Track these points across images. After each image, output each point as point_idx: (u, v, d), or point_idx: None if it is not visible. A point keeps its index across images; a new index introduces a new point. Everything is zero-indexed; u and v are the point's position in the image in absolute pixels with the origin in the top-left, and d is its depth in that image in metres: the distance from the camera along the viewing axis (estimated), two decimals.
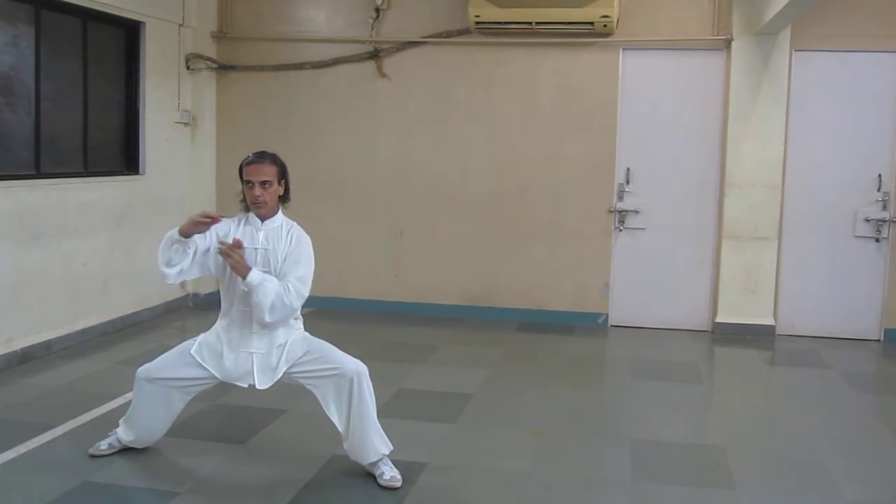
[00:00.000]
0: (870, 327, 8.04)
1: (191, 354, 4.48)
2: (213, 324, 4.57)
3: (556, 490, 4.44)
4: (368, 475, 4.50)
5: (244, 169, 4.38)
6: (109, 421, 5.28)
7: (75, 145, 7.36)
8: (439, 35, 8.45)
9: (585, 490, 4.47)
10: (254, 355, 4.43)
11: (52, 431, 5.03)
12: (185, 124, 8.64)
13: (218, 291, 8.87)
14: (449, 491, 4.40)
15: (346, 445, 4.49)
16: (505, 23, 7.95)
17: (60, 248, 6.97)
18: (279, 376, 4.46)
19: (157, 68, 8.19)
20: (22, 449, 4.75)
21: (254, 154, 4.45)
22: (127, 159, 8.02)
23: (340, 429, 4.46)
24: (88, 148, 7.45)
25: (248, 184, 4.36)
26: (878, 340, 8.00)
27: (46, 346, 6.78)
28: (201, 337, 4.53)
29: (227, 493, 4.34)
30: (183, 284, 8.72)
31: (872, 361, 7.53)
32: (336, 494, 4.34)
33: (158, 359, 4.58)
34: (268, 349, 4.43)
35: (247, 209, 4.47)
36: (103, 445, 4.68)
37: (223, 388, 6.19)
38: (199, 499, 4.23)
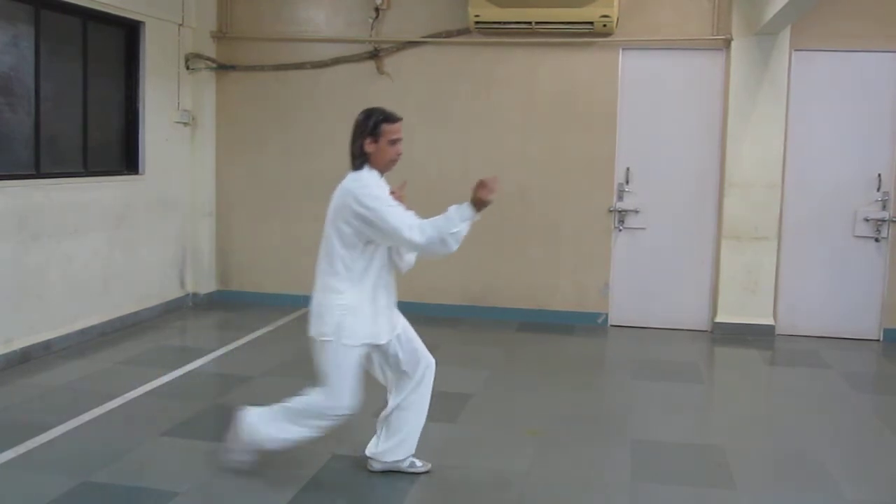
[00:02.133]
0: (869, 327, 8.04)
1: (359, 361, 4.27)
2: (342, 303, 4.18)
3: (556, 490, 4.44)
4: (370, 473, 4.51)
5: (388, 127, 4.22)
6: (110, 421, 5.29)
7: (75, 145, 7.36)
8: (439, 35, 8.45)
9: (585, 490, 4.46)
10: (393, 310, 4.43)
11: (51, 431, 5.03)
12: (185, 124, 8.63)
13: (219, 291, 8.84)
14: (449, 490, 4.41)
15: (383, 443, 4.51)
16: (505, 23, 7.95)
17: (60, 248, 6.97)
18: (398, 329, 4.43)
19: (156, 68, 8.19)
20: (22, 449, 4.75)
21: (384, 110, 4.29)
22: (127, 159, 8.02)
23: (394, 402, 4.49)
24: (88, 148, 7.45)
25: (394, 142, 4.24)
26: (878, 340, 8.00)
27: (46, 346, 6.78)
28: (353, 338, 4.19)
29: (226, 493, 4.34)
30: (183, 283, 8.74)
31: (872, 361, 7.53)
32: (336, 494, 4.34)
33: (345, 389, 4.23)
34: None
35: (360, 167, 4.25)
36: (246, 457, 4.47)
37: (223, 387, 6.20)
38: (198, 499, 4.23)
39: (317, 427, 4.33)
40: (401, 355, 4.42)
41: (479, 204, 4.11)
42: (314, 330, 4.25)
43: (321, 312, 4.23)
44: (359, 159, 4.26)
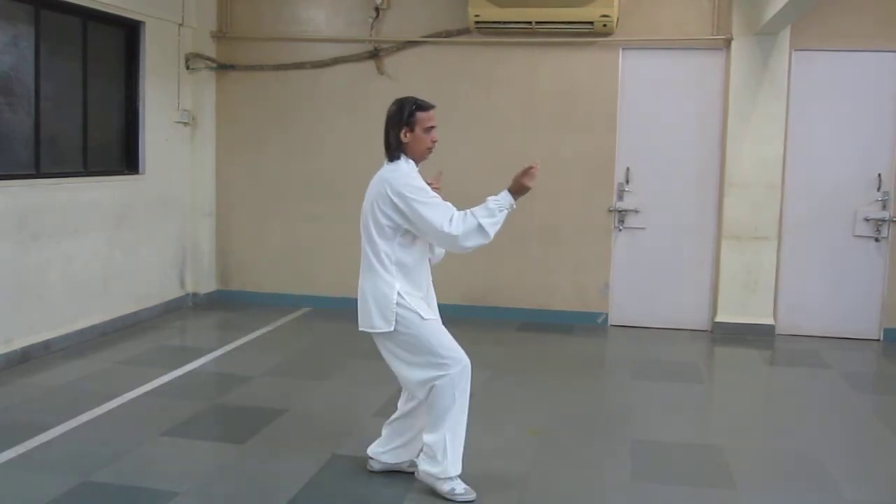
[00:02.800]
0: (869, 327, 8.04)
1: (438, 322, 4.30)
2: (394, 293, 4.14)
3: (557, 490, 4.44)
4: (370, 473, 4.50)
5: (422, 115, 4.23)
6: (109, 420, 5.29)
7: (75, 145, 7.36)
8: (439, 35, 8.45)
9: (585, 490, 4.46)
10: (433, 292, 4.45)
11: (51, 431, 5.03)
12: (185, 124, 8.63)
13: (219, 291, 8.86)
14: None
15: (391, 440, 4.49)
16: (504, 22, 7.95)
17: (60, 248, 6.96)
18: None
19: (156, 68, 8.19)
20: (21, 449, 4.75)
21: (416, 98, 4.29)
22: (127, 159, 8.02)
23: (404, 409, 4.46)
24: (88, 148, 7.45)
25: (429, 129, 4.25)
26: (878, 340, 7.99)
27: (46, 346, 6.77)
28: (417, 307, 4.19)
29: (226, 493, 4.34)
30: (183, 283, 8.74)
31: (872, 361, 7.53)
32: (336, 494, 4.33)
33: (447, 341, 4.25)
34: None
35: (397, 158, 4.27)
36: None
37: (223, 387, 6.20)
38: (198, 499, 4.23)
39: (461, 401, 4.23)
40: None
41: (519, 190, 4.19)
42: (376, 323, 4.16)
43: (376, 306, 4.15)
44: (396, 151, 4.26)
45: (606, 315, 8.41)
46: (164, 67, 8.32)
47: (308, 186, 8.77)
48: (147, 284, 8.13)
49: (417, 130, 4.23)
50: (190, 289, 8.86)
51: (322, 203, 8.68)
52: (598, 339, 8.02)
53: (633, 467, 4.75)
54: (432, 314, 4.27)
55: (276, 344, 7.42)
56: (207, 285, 8.99)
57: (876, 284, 7.99)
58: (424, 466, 4.28)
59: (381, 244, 4.16)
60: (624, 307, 8.41)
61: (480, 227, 4.13)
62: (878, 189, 7.90)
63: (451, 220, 4.10)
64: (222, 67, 8.86)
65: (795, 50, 7.89)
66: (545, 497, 4.36)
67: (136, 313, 7.95)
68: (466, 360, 4.22)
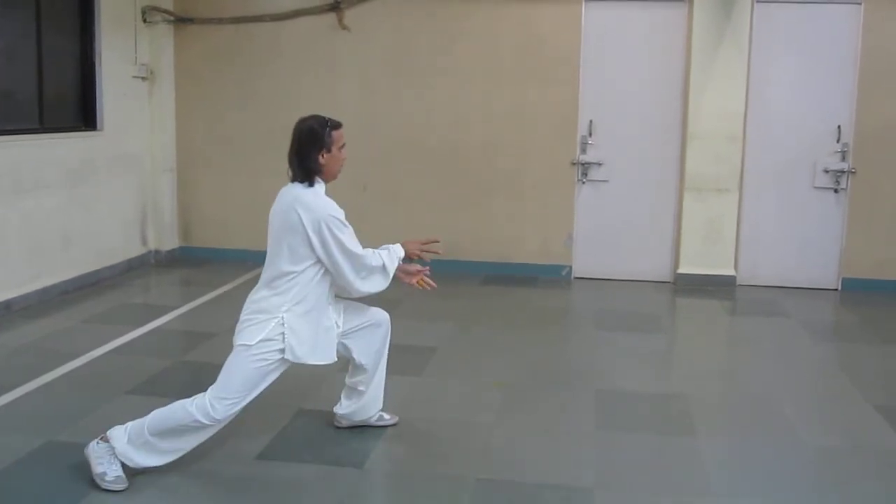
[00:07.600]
0: (828, 277, 8.17)
1: (280, 361, 3.95)
2: (277, 318, 3.94)
3: (522, 440, 4.50)
4: (337, 428, 4.52)
5: (338, 133, 4.07)
6: (74, 379, 5.25)
7: (30, 101, 7.19)
8: None
9: (551, 439, 4.52)
10: (336, 323, 4.17)
11: (15, 391, 4.98)
12: (143, 79, 8.47)
13: (181, 248, 8.75)
14: (416, 443, 4.44)
15: (352, 404, 4.44)
16: None
17: (18, 206, 6.84)
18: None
19: (112, 21, 7.99)
20: None
21: (324, 117, 4.13)
22: (84, 115, 7.87)
23: (363, 386, 4.38)
24: (44, 104, 7.28)
25: (342, 147, 4.10)
26: (836, 290, 8.13)
27: (7, 306, 6.68)
28: (288, 341, 3.91)
29: (194, 450, 4.33)
30: (145, 240, 8.65)
31: (830, 310, 7.66)
32: (305, 447, 4.35)
33: (233, 385, 3.89)
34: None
35: (312, 183, 4.04)
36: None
37: (187, 344, 6.18)
38: None
39: (189, 441, 3.98)
40: (353, 351, 4.31)
41: (408, 256, 4.25)
42: (240, 338, 3.97)
43: (254, 325, 3.95)
44: (316, 174, 4.04)
45: (570, 267, 8.47)
46: (120, 21, 8.13)
47: (270, 141, 8.63)
48: (108, 242, 8.03)
49: (334, 150, 4.05)
50: (152, 246, 8.77)
51: (284, 158, 8.56)
52: (562, 291, 8.08)
53: (598, 416, 4.82)
54: (295, 357, 3.93)
55: (239, 300, 7.32)
56: (170, 242, 8.90)
57: (834, 235, 8.10)
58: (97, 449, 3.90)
59: (288, 267, 3.94)
60: (588, 259, 8.46)
61: (384, 270, 4.15)
62: (838, 141, 7.98)
63: (362, 275, 4.06)
64: (180, 20, 8.68)
65: (757, 2, 7.89)
66: (511, 447, 4.41)
67: (97, 271, 7.86)
68: (221, 424, 3.94)
